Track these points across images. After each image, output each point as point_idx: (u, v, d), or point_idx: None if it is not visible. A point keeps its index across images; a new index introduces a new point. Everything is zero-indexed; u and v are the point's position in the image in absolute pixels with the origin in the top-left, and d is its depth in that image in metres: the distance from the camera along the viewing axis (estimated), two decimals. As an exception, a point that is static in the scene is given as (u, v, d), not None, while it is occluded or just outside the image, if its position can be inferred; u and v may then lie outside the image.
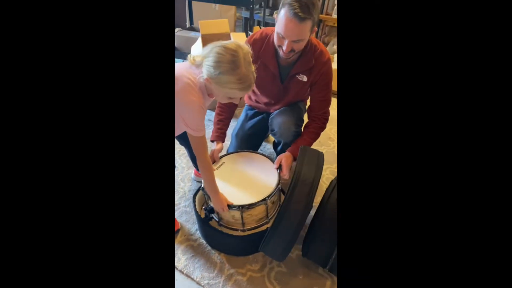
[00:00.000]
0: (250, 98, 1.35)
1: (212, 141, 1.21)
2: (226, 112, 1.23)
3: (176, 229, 1.14)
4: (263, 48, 1.10)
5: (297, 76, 1.12)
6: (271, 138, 1.62)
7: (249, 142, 1.33)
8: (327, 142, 1.74)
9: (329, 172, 1.50)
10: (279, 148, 1.32)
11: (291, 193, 0.83)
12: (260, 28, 2.31)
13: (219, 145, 1.17)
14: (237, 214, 0.98)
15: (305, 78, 1.11)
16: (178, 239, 1.12)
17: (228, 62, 0.76)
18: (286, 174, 1.07)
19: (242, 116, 1.40)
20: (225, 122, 1.23)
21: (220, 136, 1.21)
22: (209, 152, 1.00)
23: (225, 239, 1.03)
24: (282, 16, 0.94)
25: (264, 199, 0.96)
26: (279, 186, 1.03)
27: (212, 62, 0.77)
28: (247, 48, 0.80)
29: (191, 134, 0.86)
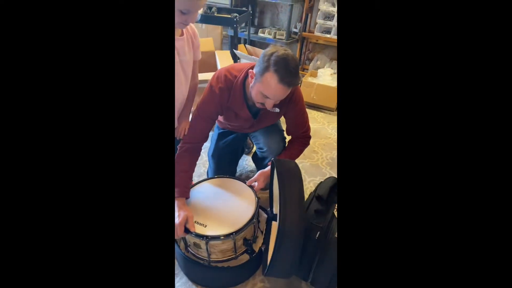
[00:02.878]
0: (219, 121, 1.30)
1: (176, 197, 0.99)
2: (186, 161, 1.05)
3: None
4: (231, 97, 1.05)
5: (269, 110, 1.08)
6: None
7: (226, 160, 1.33)
8: (311, 155, 1.78)
9: (313, 184, 1.52)
10: (265, 162, 1.34)
11: (284, 215, 0.82)
12: (245, 46, 2.38)
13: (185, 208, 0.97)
14: (202, 244, 0.94)
15: (277, 110, 1.09)
16: None
17: None
18: (260, 187, 1.09)
19: (214, 135, 1.38)
20: (189, 173, 1.06)
21: (184, 191, 1.01)
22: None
23: (192, 266, 0.99)
24: (269, 80, 0.89)
25: (231, 234, 0.92)
26: (253, 220, 0.98)
27: None
28: None
29: None
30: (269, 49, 0.91)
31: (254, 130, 1.27)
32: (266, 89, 0.92)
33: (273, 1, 2.81)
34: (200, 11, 2.13)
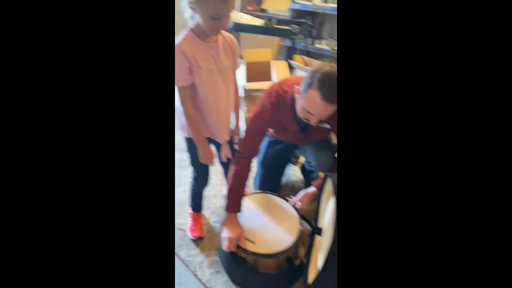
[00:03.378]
0: (270, 132, 1.34)
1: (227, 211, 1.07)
2: (241, 177, 1.10)
3: (200, 235, 1.23)
4: (280, 111, 1.07)
5: (319, 125, 1.07)
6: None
7: (274, 168, 1.37)
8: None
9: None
10: (313, 175, 1.35)
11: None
12: (302, 57, 2.41)
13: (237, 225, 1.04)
14: (249, 258, 1.00)
15: (327, 126, 1.08)
16: (206, 251, 1.18)
17: None
18: (302, 206, 1.12)
19: (264, 143, 1.39)
20: (242, 189, 1.10)
21: (235, 206, 1.08)
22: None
23: (235, 266, 1.03)
24: (312, 97, 0.89)
25: (278, 254, 0.98)
26: (298, 241, 1.03)
27: None
28: None
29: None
30: (317, 66, 0.91)
31: (303, 143, 1.28)
32: (309, 106, 0.92)
33: (334, 13, 2.80)
34: (256, 22, 2.22)
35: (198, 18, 0.84)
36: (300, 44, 2.93)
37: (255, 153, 1.13)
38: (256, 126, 1.11)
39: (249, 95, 1.98)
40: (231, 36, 1.00)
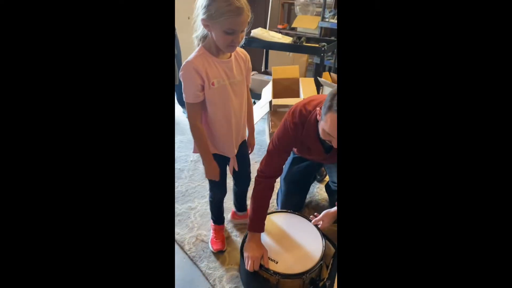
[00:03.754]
0: (296, 151, 1.34)
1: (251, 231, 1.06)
2: (264, 196, 1.10)
3: (221, 248, 1.22)
4: (304, 131, 1.06)
5: None
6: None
7: (298, 185, 1.34)
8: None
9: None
10: (337, 195, 1.31)
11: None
12: (330, 74, 2.40)
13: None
14: (272, 279, 0.96)
15: None
16: (226, 265, 1.18)
17: None
18: (324, 225, 1.09)
19: (289, 160, 1.38)
20: (265, 209, 1.10)
21: (259, 225, 1.07)
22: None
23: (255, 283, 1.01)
24: (331, 119, 0.88)
25: (302, 274, 0.95)
26: (322, 262, 1.00)
27: (199, 8, 0.82)
28: None
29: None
30: (336, 89, 0.89)
31: (328, 163, 1.26)
32: (329, 129, 0.90)
33: (364, 31, 2.78)
34: (285, 40, 2.27)
35: (211, 35, 0.85)
36: (329, 61, 2.93)
37: (278, 173, 1.12)
38: (279, 146, 1.09)
39: (276, 110, 2.00)
40: (244, 51, 1.00)
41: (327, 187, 1.43)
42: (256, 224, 1.06)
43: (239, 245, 1.27)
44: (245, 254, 1.01)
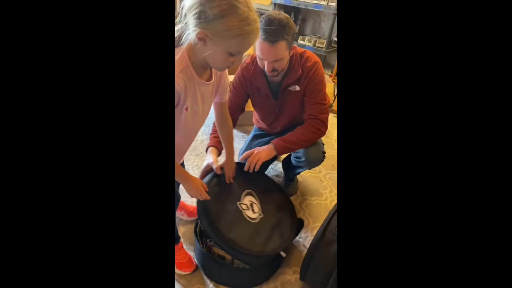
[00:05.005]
0: (256, 119, 1.39)
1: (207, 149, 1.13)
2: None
3: (191, 269, 1.04)
4: (252, 72, 1.17)
5: (289, 88, 1.16)
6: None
7: None
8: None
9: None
10: (297, 170, 1.34)
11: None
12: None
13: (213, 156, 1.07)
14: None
15: (297, 88, 1.15)
16: (193, 285, 1.01)
17: (225, 1, 0.59)
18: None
19: (250, 136, 1.43)
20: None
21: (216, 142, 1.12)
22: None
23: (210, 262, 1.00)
24: (258, 44, 1.01)
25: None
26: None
27: (202, 7, 0.59)
28: None
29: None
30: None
31: (282, 125, 1.28)
32: (257, 50, 1.04)
33: (317, 9, 2.80)
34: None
35: (202, 50, 0.65)
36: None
37: (239, 109, 1.26)
38: (235, 88, 1.21)
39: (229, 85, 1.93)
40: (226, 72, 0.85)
41: (286, 162, 1.43)
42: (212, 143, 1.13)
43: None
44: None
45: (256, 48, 1.04)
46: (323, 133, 1.17)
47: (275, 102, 1.21)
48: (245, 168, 1.10)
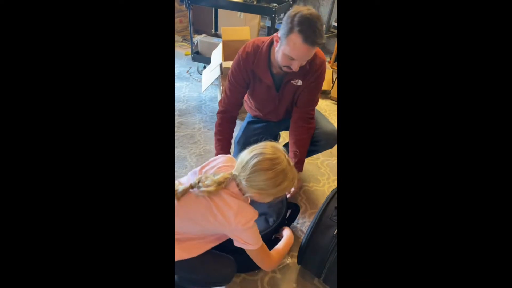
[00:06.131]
0: (249, 106, 1.35)
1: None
2: (226, 127, 1.22)
3: None
4: (256, 61, 1.09)
5: (291, 81, 1.12)
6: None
7: None
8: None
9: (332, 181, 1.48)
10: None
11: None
12: (282, 37, 2.34)
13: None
14: None
15: (300, 82, 1.12)
16: None
17: (277, 172, 0.72)
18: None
19: (244, 122, 1.39)
20: (228, 136, 1.23)
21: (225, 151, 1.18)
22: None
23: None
24: (294, 41, 0.90)
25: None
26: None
27: (260, 180, 0.73)
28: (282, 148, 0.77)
29: (249, 249, 0.79)
30: (293, 10, 0.90)
31: (279, 116, 1.27)
32: (291, 51, 0.92)
33: (315, -7, 2.73)
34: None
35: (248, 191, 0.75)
36: (280, 24, 2.85)
37: (237, 105, 1.20)
38: (234, 81, 1.14)
39: (227, 74, 1.91)
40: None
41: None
42: (222, 152, 1.15)
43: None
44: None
45: (291, 49, 0.92)
46: (313, 129, 1.22)
47: (276, 94, 1.17)
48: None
